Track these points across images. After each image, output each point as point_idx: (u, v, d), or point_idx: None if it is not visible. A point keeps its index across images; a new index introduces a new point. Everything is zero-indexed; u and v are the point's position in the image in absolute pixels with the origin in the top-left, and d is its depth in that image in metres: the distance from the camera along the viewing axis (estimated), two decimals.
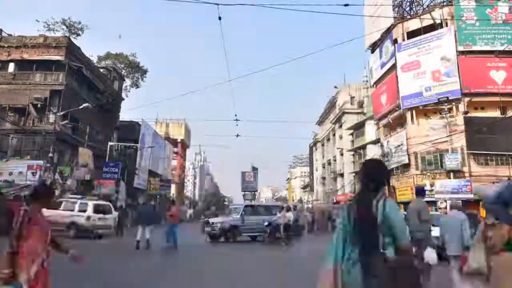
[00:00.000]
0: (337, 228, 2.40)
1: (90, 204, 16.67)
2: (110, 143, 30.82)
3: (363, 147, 39.31)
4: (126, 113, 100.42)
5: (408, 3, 32.37)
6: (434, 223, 6.88)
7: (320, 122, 62.17)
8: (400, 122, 30.84)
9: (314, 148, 65.27)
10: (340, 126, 46.68)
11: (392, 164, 30.32)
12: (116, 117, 36.59)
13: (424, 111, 28.51)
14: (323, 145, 59.41)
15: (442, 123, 25.77)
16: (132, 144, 34.47)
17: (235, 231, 16.53)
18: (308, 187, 72.12)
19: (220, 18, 12.72)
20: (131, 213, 27.89)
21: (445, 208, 23.26)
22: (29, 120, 26.24)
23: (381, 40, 32.65)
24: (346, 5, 11.11)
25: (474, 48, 26.80)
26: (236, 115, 31.25)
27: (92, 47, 78.07)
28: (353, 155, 42.69)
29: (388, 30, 31.38)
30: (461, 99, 26.29)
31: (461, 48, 26.82)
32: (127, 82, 42.62)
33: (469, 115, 25.87)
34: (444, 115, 25.30)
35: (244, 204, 22.34)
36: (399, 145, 29.47)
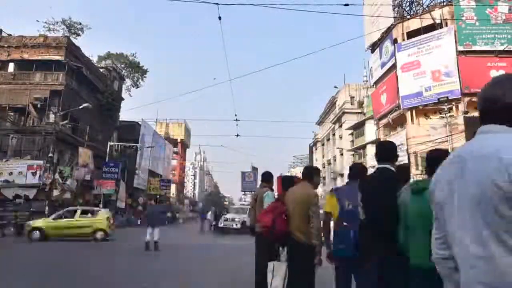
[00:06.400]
0: None
1: None
2: (110, 143, 30.82)
3: (363, 147, 39.31)
4: (126, 113, 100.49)
5: (408, 3, 32.37)
6: None
7: (320, 122, 62.18)
8: (400, 122, 30.84)
9: (314, 148, 65.29)
10: (340, 126, 46.68)
11: None
12: (116, 117, 36.59)
13: (424, 111, 28.51)
14: (323, 145, 59.42)
15: (442, 123, 25.77)
16: (132, 144, 34.45)
17: None
18: None
19: (220, 18, 12.74)
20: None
21: None
22: (29, 120, 26.25)
23: (381, 40, 32.65)
24: (346, 5, 11.12)
25: (474, 48, 26.80)
26: (236, 115, 31.15)
27: (92, 47, 78.14)
28: (353, 155, 42.68)
29: (388, 30, 31.39)
30: (461, 99, 26.30)
31: (461, 48, 26.81)
32: (127, 82, 42.65)
33: (469, 115, 25.85)
34: (444, 115, 25.30)
35: None
36: (399, 145, 29.41)
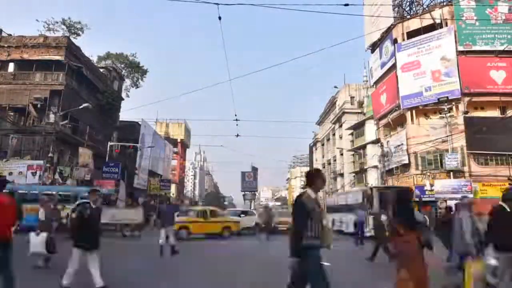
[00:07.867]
0: None
1: None
2: (110, 143, 30.80)
3: (363, 147, 39.30)
4: (126, 113, 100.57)
5: (408, 3, 32.37)
6: None
7: (320, 122, 62.18)
8: (400, 122, 30.84)
9: (314, 148, 65.27)
10: (340, 126, 46.66)
11: (392, 164, 30.34)
12: (116, 117, 36.62)
13: (424, 111, 28.51)
14: (323, 145, 59.42)
15: (442, 123, 25.77)
16: (132, 144, 34.43)
17: None
18: None
19: (220, 18, 12.72)
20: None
21: (445, 208, 23.27)
22: (29, 120, 26.25)
23: (381, 40, 32.65)
24: (346, 5, 11.12)
25: (474, 48, 26.79)
26: (236, 115, 31.12)
27: (92, 47, 78.17)
28: (353, 155, 42.67)
29: (388, 30, 31.38)
30: (461, 99, 26.29)
31: (461, 48, 26.81)
32: (127, 82, 42.66)
33: (469, 115, 25.86)
34: (444, 115, 25.30)
35: None
36: (399, 145, 29.47)
